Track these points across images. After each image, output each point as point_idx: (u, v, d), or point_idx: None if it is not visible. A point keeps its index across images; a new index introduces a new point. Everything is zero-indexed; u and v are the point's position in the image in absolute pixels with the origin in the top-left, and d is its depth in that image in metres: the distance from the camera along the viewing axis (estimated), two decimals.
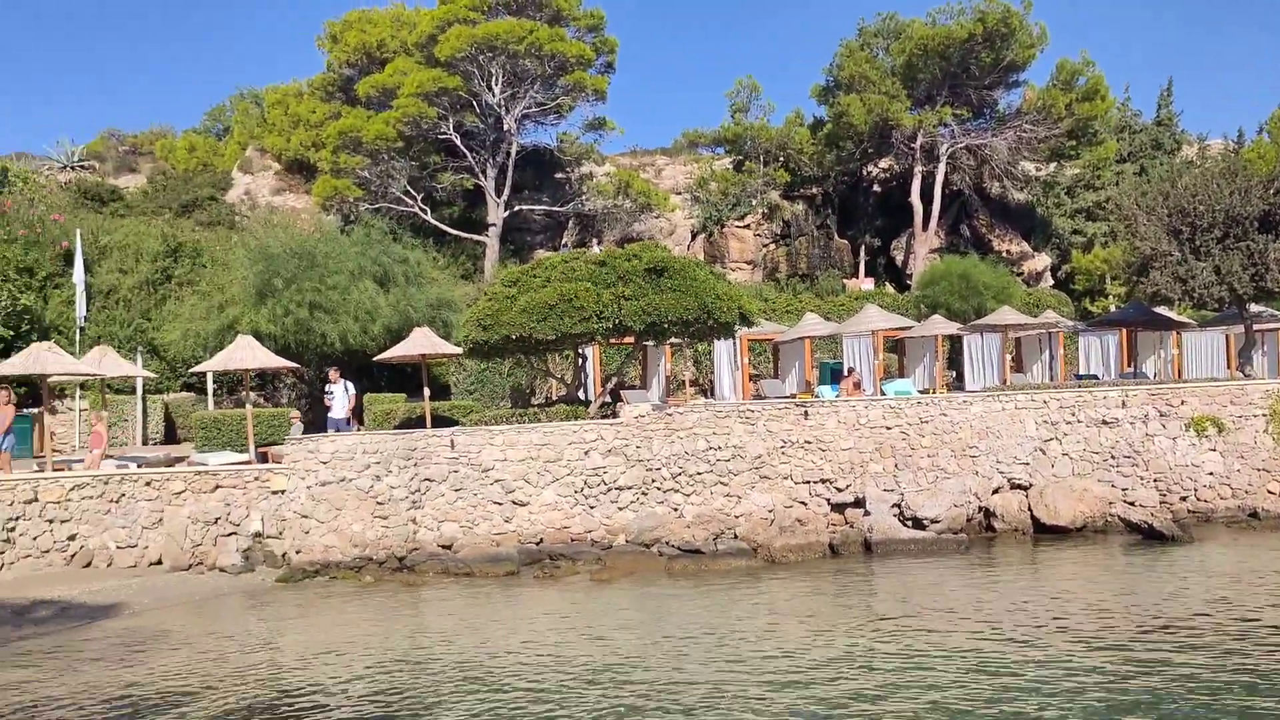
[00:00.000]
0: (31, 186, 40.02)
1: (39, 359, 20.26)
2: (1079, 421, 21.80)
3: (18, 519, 17.64)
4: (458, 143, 38.21)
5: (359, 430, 23.32)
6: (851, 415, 21.07)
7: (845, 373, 26.94)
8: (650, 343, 24.81)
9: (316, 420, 29.61)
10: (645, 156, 51.53)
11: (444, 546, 18.90)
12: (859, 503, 20.46)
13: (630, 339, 23.06)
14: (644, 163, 50.16)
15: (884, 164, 45.33)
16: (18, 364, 20.33)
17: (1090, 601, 14.69)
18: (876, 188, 45.93)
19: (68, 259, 31.59)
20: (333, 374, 23.41)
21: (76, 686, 11.42)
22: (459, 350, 23.09)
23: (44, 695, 11.08)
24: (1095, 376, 30.02)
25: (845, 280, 41.43)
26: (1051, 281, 44.38)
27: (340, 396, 22.77)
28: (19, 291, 30.08)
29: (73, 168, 47.61)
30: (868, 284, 41.12)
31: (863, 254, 43.14)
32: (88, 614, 14.98)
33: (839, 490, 20.61)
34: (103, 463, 20.09)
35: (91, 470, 19.22)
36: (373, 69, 40.53)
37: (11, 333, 28.88)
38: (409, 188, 38.62)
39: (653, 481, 19.84)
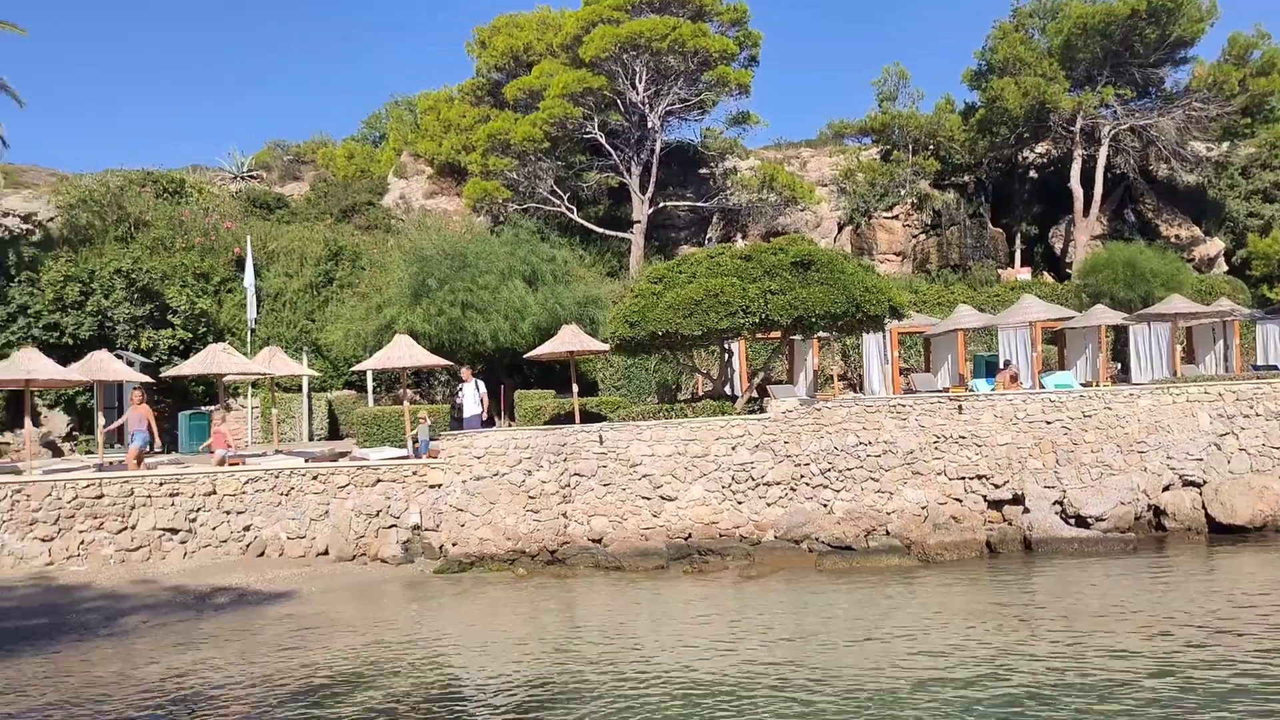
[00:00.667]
0: (206, 197, 42.35)
1: (215, 359, 21.50)
2: (1257, 415, 20.56)
3: (198, 510, 18.73)
4: (602, 141, 38.63)
5: (510, 426, 23.83)
6: (1009, 409, 20.40)
7: (1001, 366, 26.11)
8: (797, 337, 24.59)
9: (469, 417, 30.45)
10: (790, 149, 51.03)
11: (594, 540, 19.17)
12: (1017, 499, 19.80)
13: (777, 334, 22.91)
14: (788, 155, 49.68)
15: (1040, 149, 43.67)
16: (197, 364, 21.61)
17: (1275, 605, 13.84)
18: (1033, 174, 44.30)
19: (239, 264, 33.34)
20: (465, 373, 24.00)
21: (255, 668, 12.05)
22: (606, 347, 23.38)
23: (227, 675, 11.74)
24: (1275, 367, 28.26)
25: (1000, 270, 40.11)
26: (1225, 267, 41.92)
27: (471, 395, 23.22)
28: (196, 296, 31.92)
29: (242, 178, 50.16)
30: (1024, 274, 39.71)
31: (1018, 242, 41.69)
32: (263, 600, 15.79)
33: (996, 487, 20.00)
34: (225, 458, 20.85)
35: (230, 467, 20.24)
36: (520, 72, 41.36)
37: (190, 334, 30.68)
38: (555, 187, 39.27)
39: (801, 477, 19.65)
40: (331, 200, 44.79)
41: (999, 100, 39.05)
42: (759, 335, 23.20)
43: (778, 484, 19.60)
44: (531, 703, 10.55)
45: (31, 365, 20.24)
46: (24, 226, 34.59)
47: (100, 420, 23.49)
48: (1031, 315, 26.11)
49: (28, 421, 21.22)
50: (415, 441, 21.87)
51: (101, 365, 22.17)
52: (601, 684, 11.15)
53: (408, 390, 24.94)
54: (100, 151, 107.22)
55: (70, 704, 10.66)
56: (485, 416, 23.37)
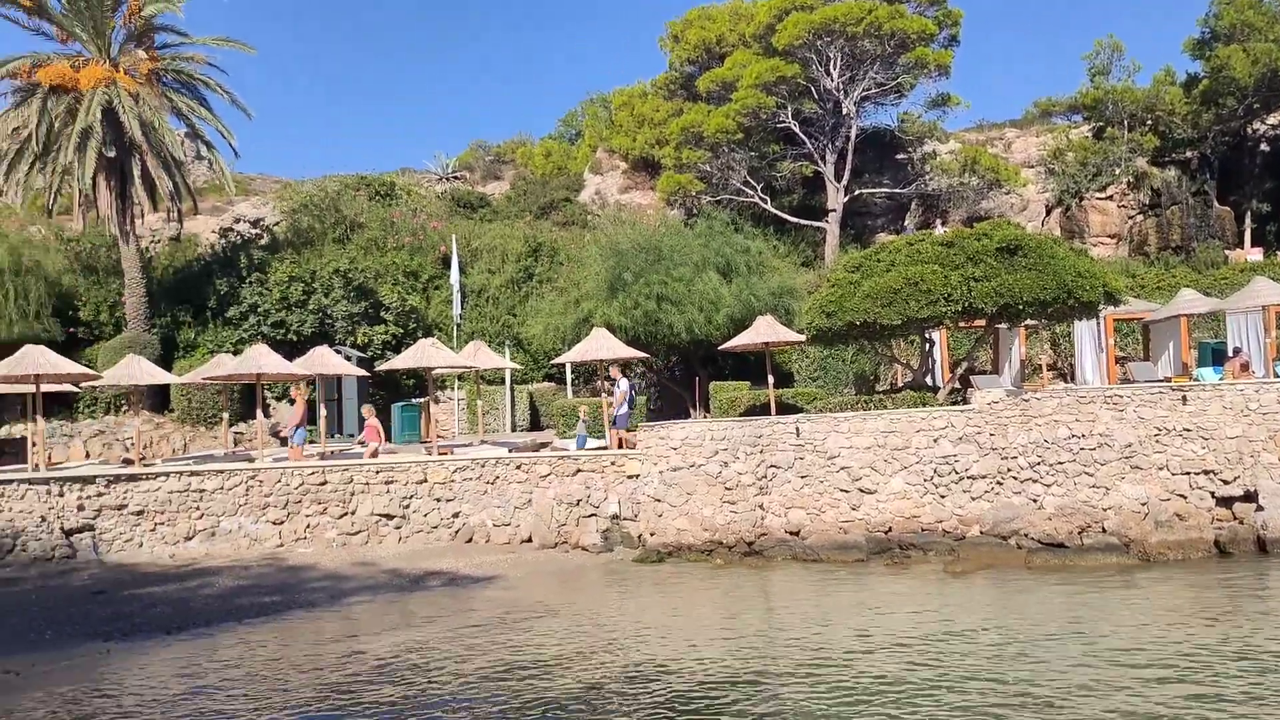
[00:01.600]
0: (414, 198, 44.42)
1: (425, 354, 22.47)
2: None
3: (411, 498, 19.66)
4: (796, 130, 38.21)
5: (705, 417, 23.84)
6: (1239, 400, 18.96)
7: (1230, 354, 24.27)
8: (1002, 325, 23.61)
9: (666, 409, 30.72)
10: (993, 130, 49.07)
11: (791, 533, 19.00)
12: (1249, 497, 18.38)
13: (981, 322, 22.06)
14: (991, 137, 47.77)
15: (1273, 120, 40.33)
16: (408, 358, 22.65)
17: None
18: (1264, 147, 40.97)
19: (445, 262, 34.79)
20: (613, 371, 24.22)
21: (466, 647, 12.55)
22: (802, 337, 23.10)
23: (440, 652, 12.26)
24: None
25: (1227, 251, 37.29)
26: None
27: (617, 392, 23.34)
28: (407, 293, 33.52)
29: (447, 179, 52.32)
30: (1255, 254, 36.75)
31: (1248, 221, 38.64)
32: (471, 584, 16.43)
33: (1225, 483, 18.63)
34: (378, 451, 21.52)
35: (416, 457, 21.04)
36: (712, 64, 41.39)
37: (401, 330, 32.24)
38: (748, 178, 39.12)
39: (1008, 471, 18.87)
40: (530, 198, 46.10)
41: (1225, 69, 36.32)
42: (961, 324, 22.41)
43: (983, 478, 18.89)
44: (733, 689, 10.54)
45: (262, 360, 21.73)
46: (253, 231, 37.17)
47: (322, 412, 24.93)
48: (1264, 299, 24.13)
49: (259, 413, 22.76)
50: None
51: (322, 360, 23.58)
52: (802, 674, 11.02)
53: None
54: (319, 159, 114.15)
55: (301, 672, 11.37)
56: (626, 413, 23.13)
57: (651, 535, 19.33)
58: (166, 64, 30.70)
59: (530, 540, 19.55)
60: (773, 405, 22.59)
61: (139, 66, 29.78)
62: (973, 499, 18.84)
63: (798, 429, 19.55)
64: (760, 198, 39.11)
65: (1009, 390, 20.33)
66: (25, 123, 28.90)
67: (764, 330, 23.03)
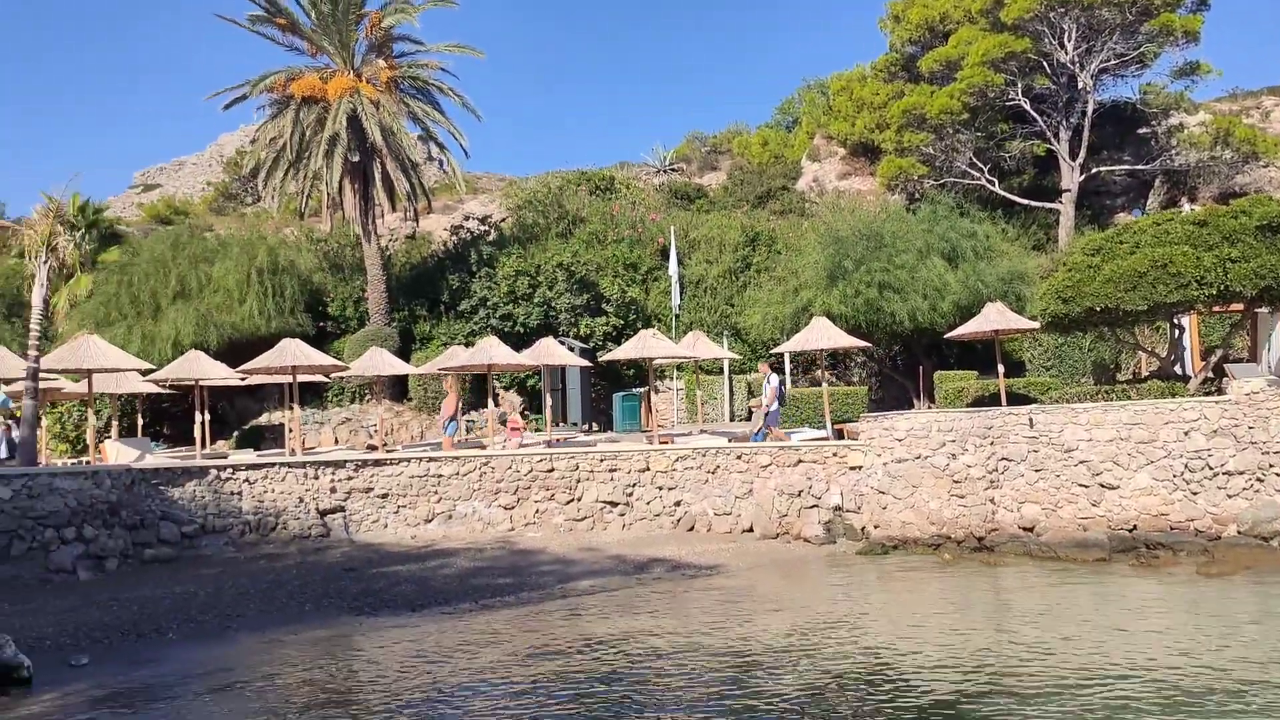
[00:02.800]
0: (633, 191, 45.20)
1: (646, 344, 22.82)
2: None
3: (634, 486, 20.02)
4: (1026, 108, 36.42)
5: (929, 408, 23.14)
6: None
7: None
8: (1263, 309, 21.76)
9: (887, 399, 30.05)
10: (1248, 99, 45.22)
11: (1024, 529, 18.17)
12: None
13: (1238, 306, 20.41)
14: (1246, 106, 44.05)
15: None
16: (630, 349, 23.05)
17: None
18: None
19: (664, 254, 35.22)
20: (762, 367, 23.75)
21: (689, 635, 12.66)
22: (1035, 325, 22.05)
23: (664, 640, 12.43)
24: None
25: None
26: None
27: (767, 389, 22.79)
28: (627, 285, 34.15)
29: (664, 171, 52.96)
30: None
31: None
32: (693, 572, 16.56)
33: None
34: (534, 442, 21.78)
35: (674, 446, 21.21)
36: (935, 43, 40.01)
37: (622, 321, 32.88)
38: (974, 160, 37.62)
39: (1271, 467, 17.35)
40: (747, 188, 46.02)
41: None
42: (1215, 309, 20.81)
43: (1240, 474, 17.45)
44: (966, 689, 10.17)
45: (493, 351, 22.66)
46: (481, 228, 38.79)
47: (548, 401, 25.73)
48: None
49: (490, 401, 23.73)
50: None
51: (548, 351, 24.32)
52: (1039, 676, 10.51)
53: (825, 372, 25.05)
54: (541, 156, 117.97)
55: (535, 650, 11.78)
56: (775, 410, 22.67)
57: (875, 528, 18.93)
58: (404, 71, 32.45)
59: (751, 530, 19.53)
60: (1003, 395, 21.68)
61: (379, 75, 31.62)
62: (1229, 496, 17.44)
63: (1031, 420, 18.66)
64: (987, 180, 37.55)
65: (1271, 379, 18.70)
66: (280, 133, 31.25)
67: (994, 317, 22.12)
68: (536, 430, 30.01)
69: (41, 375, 19.12)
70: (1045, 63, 36.07)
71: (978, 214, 32.61)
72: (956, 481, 18.71)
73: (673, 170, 53.19)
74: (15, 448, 19.05)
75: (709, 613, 13.97)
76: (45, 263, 18.89)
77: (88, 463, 21.15)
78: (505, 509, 19.86)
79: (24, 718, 9.47)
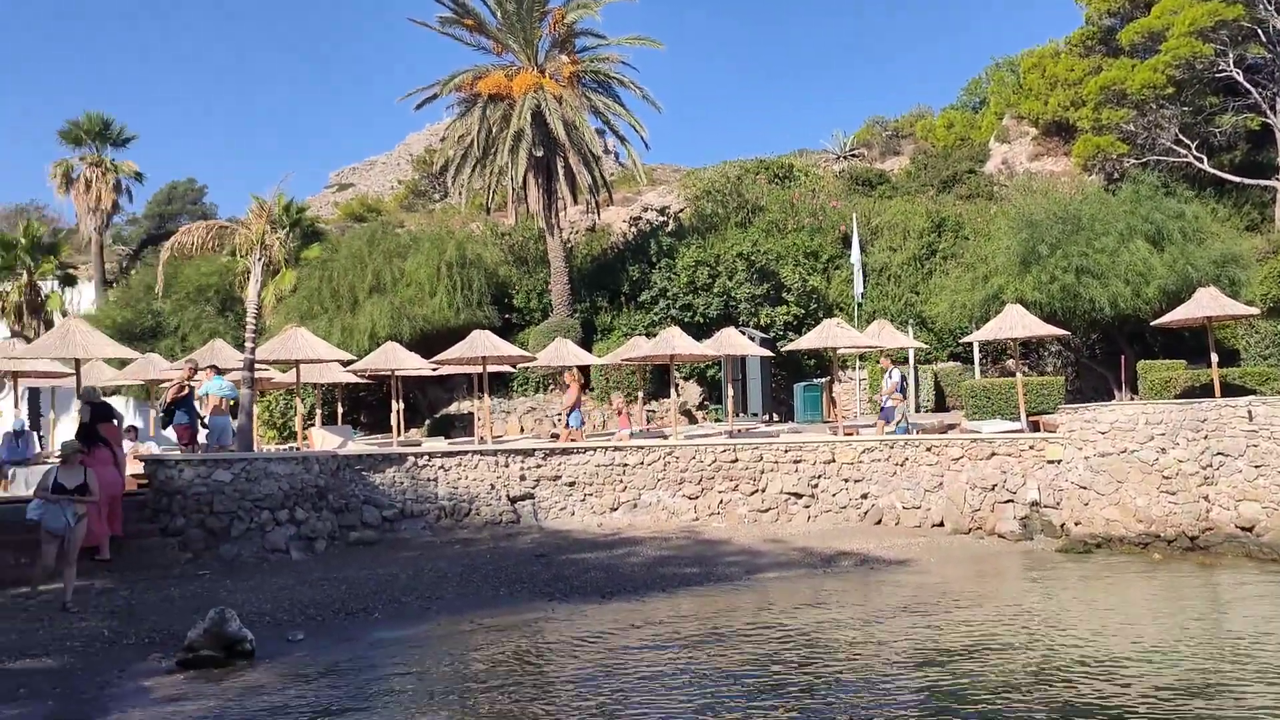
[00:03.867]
0: (812, 179, 44.55)
1: (830, 333, 22.47)
2: None
3: (819, 478, 19.74)
4: (1239, 79, 33.91)
5: (1132, 399, 21.92)
6: None
7: None
8: None
9: (1084, 389, 28.66)
10: None
11: (1243, 528, 16.99)
12: None
13: None
14: None
15: None
16: (813, 339, 22.76)
17: None
18: None
19: (845, 241, 34.59)
20: (884, 361, 22.70)
21: (878, 629, 12.38)
22: (1254, 311, 20.60)
23: (853, 633, 12.20)
24: None
25: None
26: None
27: (889, 382, 21.95)
28: (808, 274, 33.70)
29: (845, 157, 51.99)
30: None
31: None
32: (882, 567, 16.21)
33: None
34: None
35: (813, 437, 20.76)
36: (1136, 14, 37.70)
37: (802, 310, 32.48)
38: (1180, 136, 35.31)
39: None
40: (931, 172, 44.68)
41: None
42: None
43: None
44: (1181, 698, 9.55)
45: (675, 342, 22.77)
46: (660, 219, 39.02)
47: (729, 391, 25.66)
48: None
49: (673, 391, 23.87)
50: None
51: (729, 341, 24.27)
52: (1263, 692, 9.77)
53: (1017, 361, 24.04)
54: (719, 145, 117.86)
55: (725, 642, 11.75)
56: (893, 404, 21.72)
57: (1076, 525, 18.06)
58: (585, 66, 32.91)
59: (941, 524, 18.98)
60: (1217, 386, 20.32)
61: (562, 70, 32.18)
62: None
63: (1250, 413, 17.41)
64: (1194, 157, 35.19)
65: None
66: (468, 130, 32.23)
67: (1207, 303, 20.75)
68: (717, 420, 30.01)
69: (256, 365, 20.32)
70: (1261, 30, 33.51)
71: (1185, 193, 30.66)
72: (1166, 477, 17.65)
73: (853, 156, 52.14)
74: (233, 434, 20.30)
75: (900, 608, 13.63)
76: (258, 260, 20.03)
77: (296, 449, 22.42)
78: (689, 499, 19.91)
79: (249, 686, 10.08)
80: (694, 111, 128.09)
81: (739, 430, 23.79)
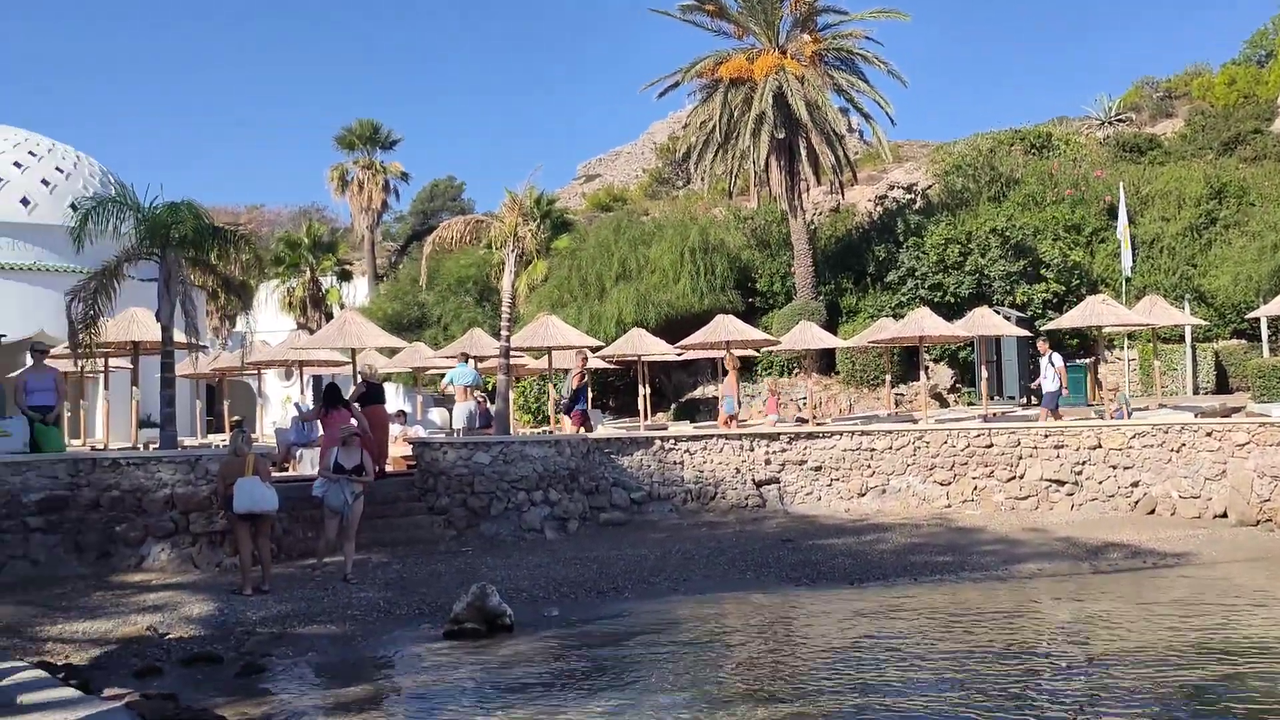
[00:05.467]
0: (1073, 147, 41.94)
1: (1094, 311, 21.13)
2: None
3: (1083, 464, 18.57)
4: None
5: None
6: None
7: None
8: None
9: None
10: None
11: None
12: None
13: None
14: None
15: None
16: (1076, 316, 21.48)
17: None
18: None
19: (1111, 213, 32.36)
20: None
21: (1156, 627, 11.49)
22: None
23: (1127, 630, 11.38)
24: None
25: None
26: None
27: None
28: (1068, 248, 31.77)
29: (1109, 123, 48.64)
30: None
31: None
32: (1156, 560, 15.05)
33: None
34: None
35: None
36: None
37: (1063, 287, 30.67)
38: None
39: None
40: (1210, 134, 41.14)
41: None
42: None
43: None
44: None
45: (924, 323, 22.04)
46: (907, 196, 37.87)
47: (983, 374, 24.57)
48: None
49: (922, 374, 23.13)
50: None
51: (983, 320, 23.24)
52: None
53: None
54: (967, 117, 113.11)
55: (980, 635, 11.25)
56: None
57: None
58: (828, 44, 32.34)
59: (1224, 515, 17.44)
60: None
61: (803, 50, 31.76)
62: None
63: None
64: None
65: None
66: (709, 116, 32.42)
67: None
68: (970, 404, 28.83)
69: (510, 352, 21.24)
70: None
71: None
72: None
73: (1119, 121, 48.68)
74: (490, 418, 21.32)
75: (1177, 604, 12.62)
76: (511, 252, 20.88)
77: (549, 432, 23.29)
78: (941, 485, 19.21)
79: (509, 657, 10.54)
80: (942, 84, 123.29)
81: (993, 415, 22.74)
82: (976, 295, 29.97)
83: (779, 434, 19.97)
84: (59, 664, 9.28)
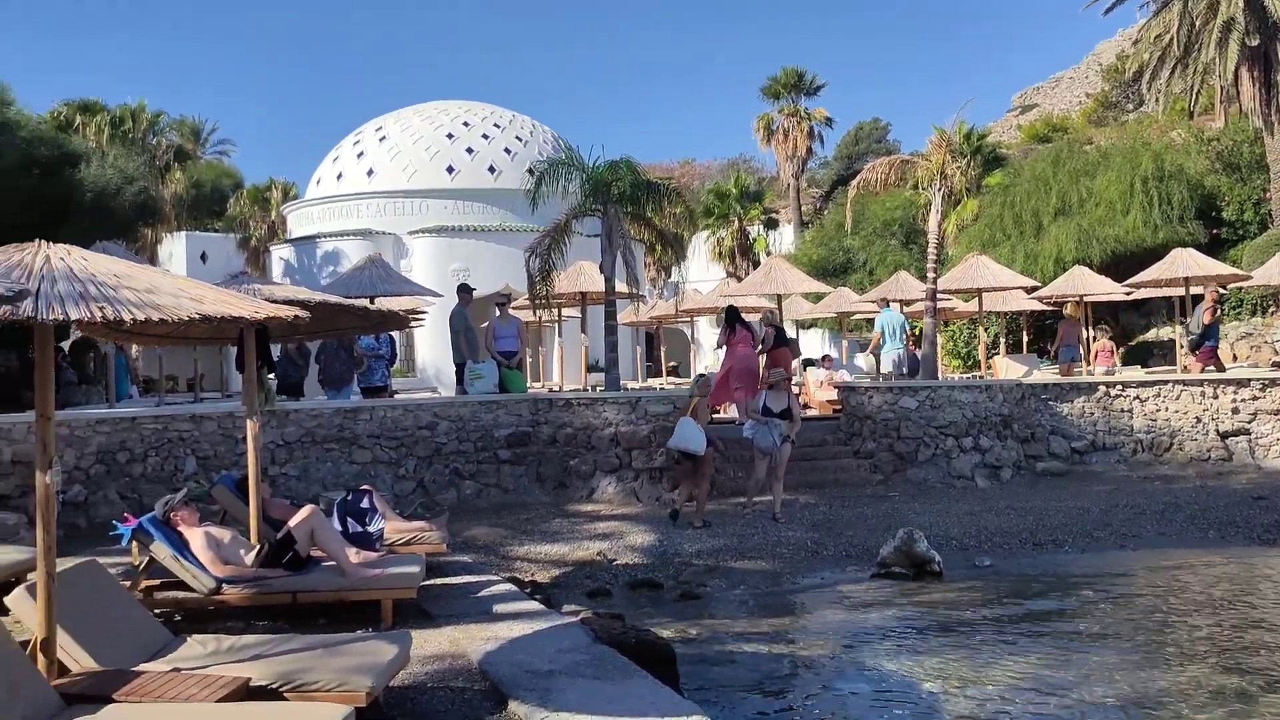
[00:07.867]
0: None
1: None
2: None
3: None
4: None
5: None
6: None
7: None
8: None
9: None
10: None
11: None
12: None
13: None
14: None
15: None
16: None
17: None
18: None
19: None
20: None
21: None
22: None
23: None
24: None
25: None
26: None
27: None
28: None
29: None
30: None
31: None
32: None
33: None
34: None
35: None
36: None
37: None
38: None
39: None
40: None
41: None
42: None
43: None
44: None
45: None
46: None
47: None
48: None
49: None
50: None
51: None
52: None
53: None
54: None
55: None
56: None
57: None
58: None
59: None
60: None
61: None
62: None
63: None
64: None
65: None
66: (1166, 28, 29.22)
67: None
68: None
69: (938, 295, 20.60)
70: None
71: None
72: None
73: None
74: (916, 363, 20.85)
75: None
76: (938, 191, 20.14)
77: (979, 377, 22.37)
78: None
79: (939, 600, 10.37)
80: None
81: None
82: None
83: (1248, 380, 17.74)
84: (525, 580, 10.40)
